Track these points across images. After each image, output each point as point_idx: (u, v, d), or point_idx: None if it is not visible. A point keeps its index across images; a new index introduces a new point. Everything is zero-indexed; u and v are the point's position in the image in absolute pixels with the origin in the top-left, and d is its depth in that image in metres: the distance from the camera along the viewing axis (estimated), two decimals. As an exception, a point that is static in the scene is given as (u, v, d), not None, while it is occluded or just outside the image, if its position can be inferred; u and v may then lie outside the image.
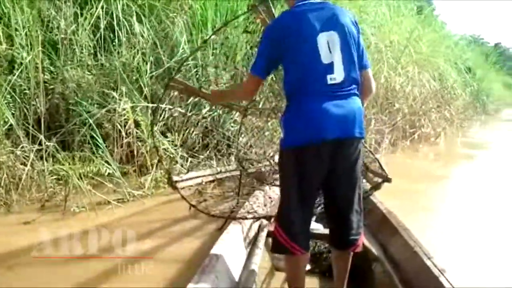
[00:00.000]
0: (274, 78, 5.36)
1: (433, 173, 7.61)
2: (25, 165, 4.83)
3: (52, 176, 4.94)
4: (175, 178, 4.46)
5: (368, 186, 4.07)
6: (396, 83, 10.01)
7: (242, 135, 5.83)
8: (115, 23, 6.27)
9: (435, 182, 6.94)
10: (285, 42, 2.31)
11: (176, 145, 5.95)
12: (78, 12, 6.18)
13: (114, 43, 6.32)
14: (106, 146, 5.38)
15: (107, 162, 5.25)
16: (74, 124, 5.63)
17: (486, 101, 22.00)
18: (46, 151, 4.99)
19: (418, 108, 10.70)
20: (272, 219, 3.58)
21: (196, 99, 6.37)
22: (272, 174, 4.95)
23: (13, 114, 5.17)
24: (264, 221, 3.62)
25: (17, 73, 5.30)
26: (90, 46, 6.20)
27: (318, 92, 2.23)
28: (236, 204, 4.23)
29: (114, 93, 5.82)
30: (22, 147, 4.98)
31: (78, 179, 4.77)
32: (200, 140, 6.44)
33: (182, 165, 5.77)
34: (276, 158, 5.34)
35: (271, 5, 3.42)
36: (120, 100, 5.73)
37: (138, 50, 6.35)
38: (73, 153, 5.28)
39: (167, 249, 3.78)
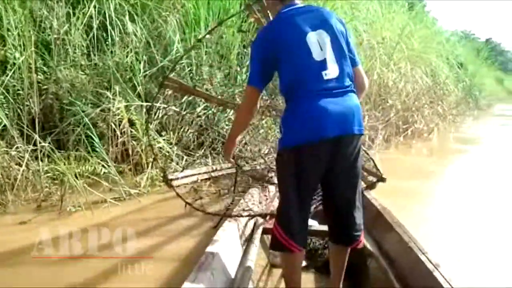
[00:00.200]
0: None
1: (426, 169, 7.64)
2: (20, 165, 4.81)
3: (47, 176, 4.94)
4: (170, 176, 4.46)
5: (363, 185, 4.09)
6: (389, 80, 10.06)
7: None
8: (107, 22, 6.27)
9: (428, 178, 6.97)
10: (276, 47, 2.33)
11: (171, 144, 5.96)
12: (71, 11, 6.17)
13: (107, 43, 6.32)
14: (101, 145, 5.37)
15: (102, 161, 5.25)
16: (68, 123, 5.63)
17: (478, 96, 22.08)
18: (41, 151, 4.98)
19: (411, 104, 10.75)
20: (268, 217, 3.61)
21: (190, 98, 6.39)
22: (267, 172, 4.96)
23: (6, 114, 5.15)
24: (260, 219, 3.64)
25: (10, 74, 5.29)
26: (83, 46, 6.20)
27: (314, 90, 2.23)
28: (231, 202, 4.24)
29: (108, 93, 5.83)
30: (17, 147, 4.97)
31: (74, 179, 4.78)
32: (195, 139, 6.45)
33: (177, 163, 5.78)
34: (271, 156, 5.38)
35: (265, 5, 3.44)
36: (114, 99, 5.74)
37: (131, 49, 6.36)
38: (68, 153, 5.27)
39: (163, 247, 3.78)
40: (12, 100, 5.32)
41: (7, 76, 5.26)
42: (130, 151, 5.74)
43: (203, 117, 6.46)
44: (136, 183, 5.36)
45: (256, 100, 2.49)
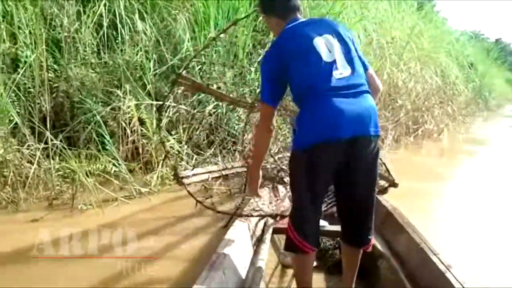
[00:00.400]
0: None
1: (436, 170, 7.59)
2: (32, 163, 4.84)
3: (58, 174, 4.96)
4: (181, 174, 4.47)
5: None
6: (399, 79, 10.01)
7: (248, 132, 5.81)
8: (117, 21, 6.27)
9: (438, 179, 6.92)
10: (284, 58, 2.36)
11: (181, 142, 5.97)
12: (81, 10, 6.17)
13: (117, 41, 6.32)
14: (111, 144, 5.39)
15: (113, 159, 5.27)
16: (79, 122, 5.64)
17: (488, 97, 21.99)
18: (52, 149, 5.00)
19: (421, 104, 10.71)
20: (278, 217, 3.61)
21: (200, 96, 6.40)
22: (277, 172, 4.95)
23: (18, 112, 5.17)
24: (270, 219, 3.64)
25: (21, 72, 5.30)
26: (93, 44, 6.21)
27: (327, 90, 2.22)
28: (241, 201, 4.24)
29: (118, 91, 5.83)
30: (28, 145, 4.99)
31: (85, 177, 4.80)
32: (205, 138, 6.46)
33: (187, 162, 5.79)
34: (281, 155, 5.37)
35: None
36: (124, 98, 5.74)
37: (141, 48, 6.35)
38: (79, 151, 5.29)
39: (174, 246, 3.78)
40: (23, 98, 5.34)
41: (18, 74, 5.28)
42: (140, 150, 5.75)
43: (213, 116, 6.46)
44: (147, 182, 5.37)
45: (271, 117, 2.51)
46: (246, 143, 5.85)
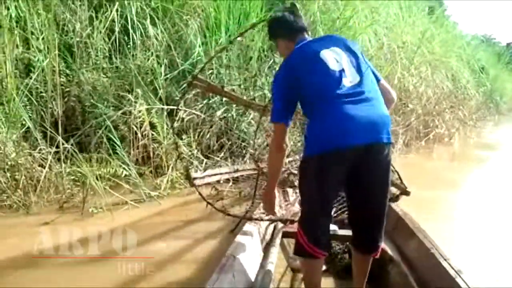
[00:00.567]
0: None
1: (447, 176, 7.53)
2: (43, 167, 4.87)
3: (69, 177, 4.99)
4: (193, 175, 4.49)
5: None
6: (410, 84, 9.97)
7: (258, 136, 5.81)
8: (129, 26, 6.32)
9: (449, 185, 6.85)
10: (294, 75, 2.40)
11: (191, 146, 5.99)
12: (93, 15, 6.23)
13: (128, 46, 6.37)
14: (122, 148, 5.41)
15: (123, 163, 5.30)
16: (90, 126, 5.68)
17: (499, 101, 21.82)
18: (63, 153, 5.04)
19: (431, 108, 10.65)
20: (288, 222, 3.61)
21: (211, 101, 6.43)
22: (288, 176, 4.95)
23: (30, 117, 5.22)
24: (280, 223, 3.64)
25: (34, 76, 5.35)
26: (105, 49, 6.27)
27: (337, 97, 2.23)
28: (251, 204, 4.24)
29: (130, 96, 5.87)
30: (40, 149, 5.03)
31: (95, 181, 4.83)
32: (215, 141, 6.48)
33: (197, 167, 5.80)
34: (291, 158, 5.37)
35: (299, 12, 3.45)
36: (135, 102, 5.78)
37: (152, 53, 6.39)
38: (90, 155, 5.32)
39: (184, 250, 3.79)
40: (35, 102, 5.39)
41: (31, 78, 5.33)
42: (151, 154, 5.77)
43: (223, 121, 6.48)
44: (157, 186, 5.39)
45: (284, 135, 2.54)
46: (257, 146, 5.86)
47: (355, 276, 2.64)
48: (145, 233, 4.06)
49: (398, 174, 3.99)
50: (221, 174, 5.35)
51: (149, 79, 6.32)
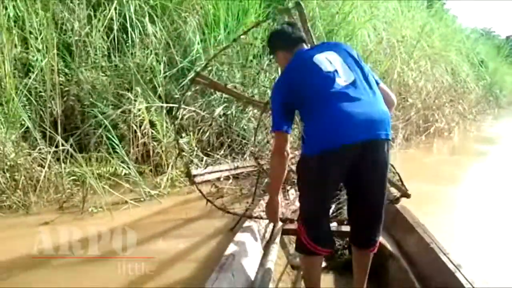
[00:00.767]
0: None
1: (447, 170, 7.54)
2: (43, 166, 4.87)
3: (69, 177, 4.99)
4: (193, 172, 4.48)
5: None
6: (409, 78, 9.97)
7: (259, 133, 5.79)
8: (128, 24, 6.29)
9: (449, 180, 6.83)
10: (292, 82, 2.44)
11: (191, 144, 6.00)
12: (92, 14, 6.21)
13: (127, 44, 6.35)
14: (121, 147, 5.41)
15: (123, 162, 5.30)
16: (89, 125, 5.67)
17: (499, 94, 21.79)
18: (62, 152, 5.04)
19: (431, 102, 10.65)
20: (287, 221, 3.61)
21: (210, 98, 6.43)
22: (287, 173, 4.93)
23: (29, 116, 5.21)
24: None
25: (32, 76, 5.34)
26: (103, 47, 6.25)
27: (332, 96, 2.25)
28: (251, 202, 4.24)
29: (129, 94, 5.87)
30: (39, 149, 5.03)
31: (95, 180, 4.84)
32: (215, 139, 6.49)
33: (197, 164, 5.81)
34: (292, 155, 5.35)
35: (304, 11, 3.45)
36: (135, 100, 5.78)
37: (151, 51, 6.39)
38: (90, 154, 5.32)
39: (184, 249, 3.79)
40: (34, 102, 5.38)
41: (29, 78, 5.32)
42: (150, 152, 5.77)
43: (222, 118, 6.49)
44: (156, 184, 5.39)
45: (285, 142, 2.54)
46: (257, 143, 5.85)
47: (355, 273, 2.64)
48: (145, 232, 4.07)
49: (399, 176, 3.98)
50: (221, 171, 5.35)
51: (148, 77, 6.31)
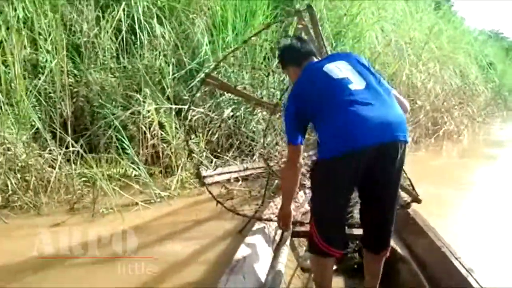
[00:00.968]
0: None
1: (457, 173, 7.51)
2: (53, 167, 4.87)
3: (80, 178, 5.00)
4: (203, 173, 4.48)
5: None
6: (418, 80, 9.93)
7: (268, 134, 5.79)
8: (136, 25, 6.32)
9: (459, 183, 6.76)
10: (303, 93, 2.47)
11: (200, 146, 6.00)
12: (100, 15, 6.23)
13: (136, 46, 6.37)
14: (131, 148, 5.43)
15: (133, 163, 5.30)
16: (99, 126, 5.67)
17: (508, 96, 21.67)
18: (73, 153, 5.04)
19: (440, 105, 10.58)
20: (297, 224, 3.60)
21: (219, 100, 6.43)
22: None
23: (39, 117, 5.24)
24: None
25: (42, 77, 5.36)
26: (112, 49, 6.27)
27: (346, 101, 2.24)
28: (261, 204, 4.23)
29: (138, 95, 5.88)
30: (50, 150, 5.04)
31: (105, 181, 4.85)
32: (224, 141, 6.49)
33: (207, 166, 5.80)
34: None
35: (315, 13, 3.45)
36: (144, 102, 5.78)
37: (159, 52, 6.40)
38: (100, 155, 5.32)
39: (194, 250, 3.79)
40: (44, 103, 5.40)
41: (39, 79, 5.33)
42: (160, 154, 5.78)
43: (230, 121, 6.48)
44: (166, 186, 5.38)
45: (299, 154, 2.61)
46: (266, 145, 5.85)
47: (366, 275, 2.64)
48: (156, 234, 4.08)
49: (410, 181, 3.96)
50: (230, 172, 5.35)
51: (157, 79, 6.32)
